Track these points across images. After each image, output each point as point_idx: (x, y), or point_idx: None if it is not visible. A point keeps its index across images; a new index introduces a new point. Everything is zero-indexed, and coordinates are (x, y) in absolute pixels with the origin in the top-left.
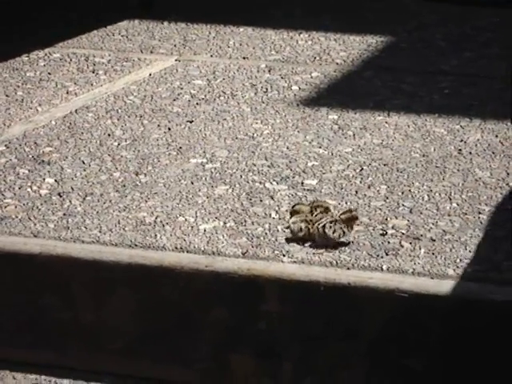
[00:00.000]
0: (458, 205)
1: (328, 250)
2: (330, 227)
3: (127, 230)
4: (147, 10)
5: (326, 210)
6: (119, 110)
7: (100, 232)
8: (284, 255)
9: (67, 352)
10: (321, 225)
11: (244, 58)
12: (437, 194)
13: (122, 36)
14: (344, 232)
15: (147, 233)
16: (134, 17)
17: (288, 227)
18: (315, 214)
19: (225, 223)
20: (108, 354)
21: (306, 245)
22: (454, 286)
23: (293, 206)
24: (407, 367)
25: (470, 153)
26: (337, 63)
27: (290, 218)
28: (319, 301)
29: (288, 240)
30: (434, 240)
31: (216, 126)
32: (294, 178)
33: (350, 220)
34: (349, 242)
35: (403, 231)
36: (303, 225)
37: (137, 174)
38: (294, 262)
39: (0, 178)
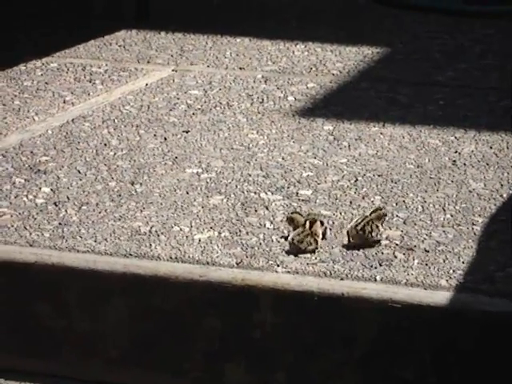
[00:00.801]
0: (451, 216)
1: (363, 249)
2: (366, 227)
3: (122, 239)
4: (144, 20)
5: (321, 223)
6: (116, 120)
7: (95, 241)
8: (278, 265)
9: (61, 360)
10: (359, 227)
11: (240, 68)
12: (431, 205)
13: (119, 46)
14: (379, 230)
15: (142, 242)
16: (131, 27)
17: (292, 241)
18: (314, 226)
19: (219, 233)
20: (102, 363)
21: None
22: (447, 297)
23: (290, 214)
24: (400, 378)
25: (465, 164)
26: (333, 74)
27: (292, 228)
28: (313, 311)
29: (292, 253)
30: (428, 251)
31: (212, 136)
32: (288, 188)
33: (381, 217)
34: (380, 240)
35: (397, 242)
36: (309, 239)
37: (132, 184)
38: (288, 272)
39: None
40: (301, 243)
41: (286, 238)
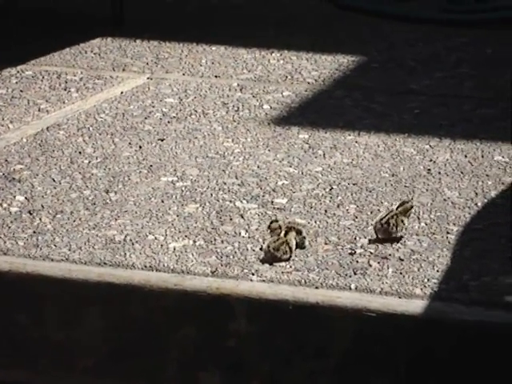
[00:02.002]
0: (426, 224)
1: (388, 243)
2: (391, 220)
3: (97, 248)
4: (119, 27)
5: (298, 232)
6: (90, 128)
7: (69, 250)
8: (253, 274)
9: (37, 370)
10: (383, 220)
11: (216, 76)
12: None
13: (94, 54)
14: (404, 224)
15: (116, 251)
16: (106, 34)
17: (268, 248)
18: (289, 234)
19: (194, 242)
20: (77, 372)
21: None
22: (422, 306)
23: (270, 223)
24: None
25: (439, 172)
26: (308, 82)
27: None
28: (288, 320)
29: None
30: (402, 259)
31: (187, 145)
32: (264, 196)
33: (407, 211)
34: (402, 236)
35: (371, 250)
36: (285, 247)
37: (107, 192)
38: (263, 280)
39: None
40: (277, 251)
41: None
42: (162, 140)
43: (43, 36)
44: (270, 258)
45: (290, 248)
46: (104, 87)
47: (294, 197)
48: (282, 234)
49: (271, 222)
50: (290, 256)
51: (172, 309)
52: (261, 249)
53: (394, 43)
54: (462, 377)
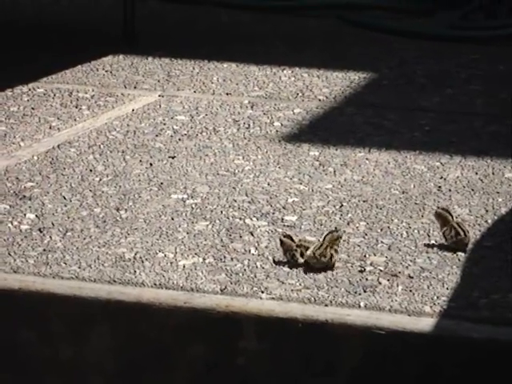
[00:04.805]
0: (436, 242)
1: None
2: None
3: (106, 265)
4: (131, 44)
5: (307, 249)
6: (101, 146)
7: (79, 268)
8: (263, 292)
9: None
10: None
11: (227, 93)
12: (415, 231)
13: (105, 71)
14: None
15: (126, 269)
16: (118, 52)
17: (316, 255)
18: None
19: (204, 259)
20: None
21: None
22: (431, 324)
23: (283, 237)
24: None
25: (450, 190)
26: (319, 99)
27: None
28: (297, 337)
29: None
30: (412, 277)
31: (198, 162)
32: (274, 214)
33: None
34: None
35: (381, 268)
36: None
37: (117, 210)
38: (273, 298)
39: None
40: (323, 257)
41: (277, 263)
42: (173, 157)
43: (55, 53)
44: (315, 264)
45: (333, 255)
46: (115, 105)
47: (304, 214)
48: (325, 241)
49: (284, 236)
50: (333, 264)
51: (181, 327)
52: (276, 264)
53: (405, 60)
54: None
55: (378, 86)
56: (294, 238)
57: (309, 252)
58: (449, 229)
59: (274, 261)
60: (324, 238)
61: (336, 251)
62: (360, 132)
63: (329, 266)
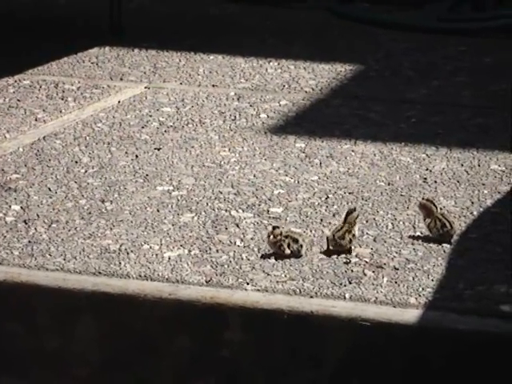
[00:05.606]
0: (421, 233)
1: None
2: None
3: (91, 257)
4: (117, 36)
5: (294, 240)
6: (87, 137)
7: (64, 259)
8: (248, 283)
9: (31, 379)
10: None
11: (213, 85)
12: (401, 223)
13: (92, 63)
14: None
15: (111, 260)
16: (104, 44)
17: (336, 238)
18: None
19: (189, 251)
20: (72, 382)
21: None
22: (417, 315)
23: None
24: None
25: (435, 181)
26: (305, 91)
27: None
28: (282, 329)
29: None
30: (397, 268)
31: (183, 154)
32: (259, 205)
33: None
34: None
35: (366, 260)
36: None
37: (103, 202)
38: (258, 290)
39: None
40: (342, 239)
41: (264, 256)
42: (159, 149)
43: (41, 45)
44: (335, 247)
45: (352, 239)
46: (101, 96)
47: (289, 206)
48: (346, 223)
49: (274, 228)
50: (352, 247)
51: (166, 318)
52: (262, 257)
53: (392, 52)
54: None
55: (365, 78)
56: (281, 228)
57: (329, 234)
58: (433, 220)
59: (259, 252)
60: (345, 218)
61: (354, 236)
62: (346, 124)
63: (347, 249)
